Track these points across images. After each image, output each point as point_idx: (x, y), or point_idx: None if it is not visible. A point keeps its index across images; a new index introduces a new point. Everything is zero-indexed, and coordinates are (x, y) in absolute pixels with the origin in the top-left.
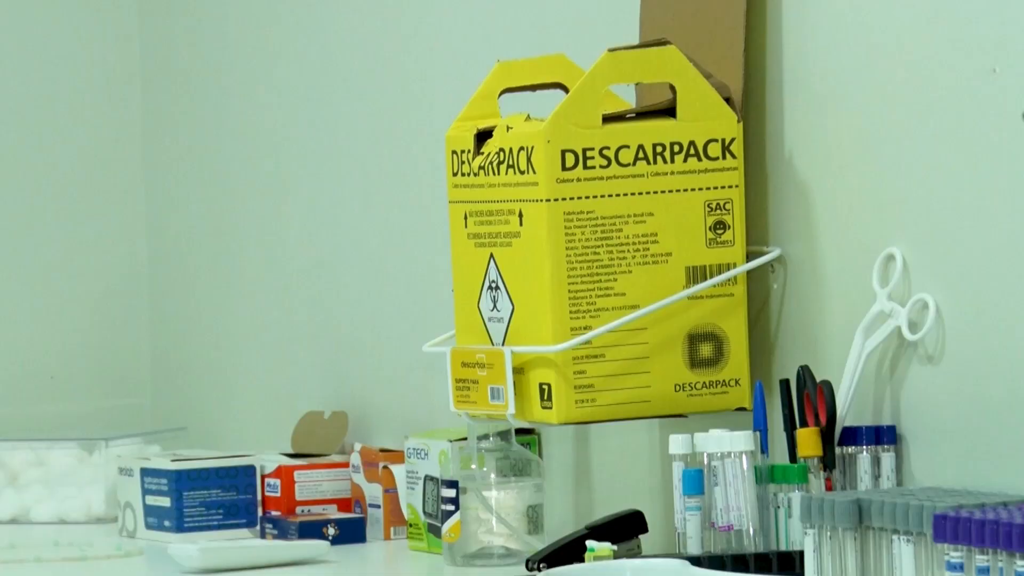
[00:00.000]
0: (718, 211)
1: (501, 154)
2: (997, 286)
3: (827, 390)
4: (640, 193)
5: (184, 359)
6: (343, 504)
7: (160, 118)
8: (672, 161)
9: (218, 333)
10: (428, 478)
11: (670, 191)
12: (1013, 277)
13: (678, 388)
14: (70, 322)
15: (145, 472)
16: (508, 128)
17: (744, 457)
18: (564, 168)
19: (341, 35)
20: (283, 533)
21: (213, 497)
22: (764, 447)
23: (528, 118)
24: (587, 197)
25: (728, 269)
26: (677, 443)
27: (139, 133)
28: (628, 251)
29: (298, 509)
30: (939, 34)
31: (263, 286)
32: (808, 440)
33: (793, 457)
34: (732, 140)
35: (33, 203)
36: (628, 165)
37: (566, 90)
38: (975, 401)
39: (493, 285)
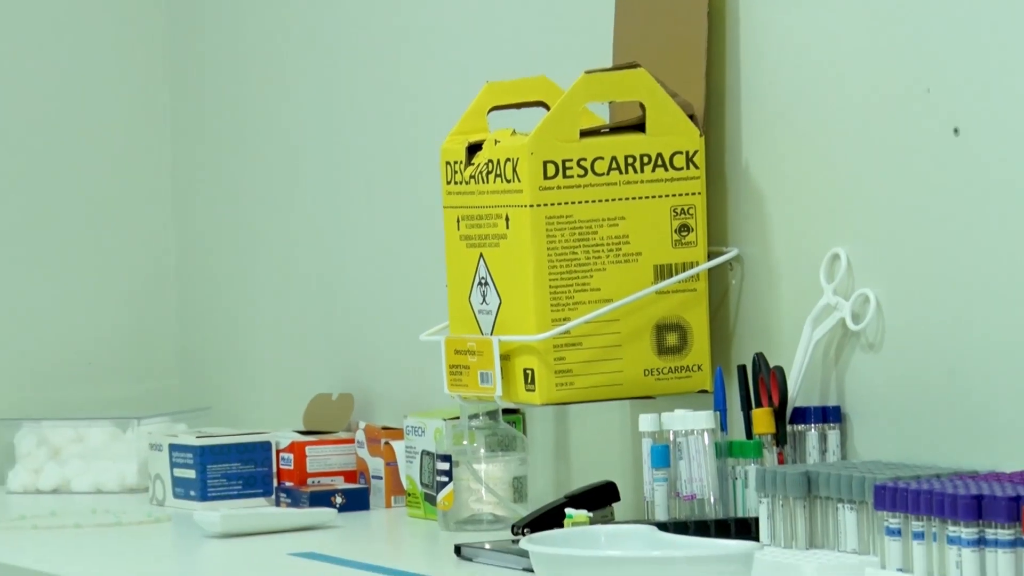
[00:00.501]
0: (683, 215)
1: (490, 165)
2: (930, 282)
3: (779, 374)
4: (613, 199)
5: (208, 347)
6: (349, 476)
7: (186, 130)
8: (642, 171)
9: (238, 324)
10: (425, 453)
11: (640, 198)
12: (944, 274)
13: (647, 373)
14: (105, 315)
15: (173, 447)
16: (496, 142)
17: (706, 434)
18: (546, 177)
19: (351, 60)
20: (296, 501)
21: (233, 470)
22: (723, 425)
23: (513, 133)
24: (566, 203)
25: (691, 267)
26: (646, 422)
27: (168, 143)
28: (602, 251)
29: (309, 480)
30: (879, 59)
31: (279, 282)
32: (762, 419)
33: (749, 434)
34: (695, 152)
35: (72, 208)
36: (603, 175)
37: (547, 107)
38: (911, 384)
39: (482, 281)
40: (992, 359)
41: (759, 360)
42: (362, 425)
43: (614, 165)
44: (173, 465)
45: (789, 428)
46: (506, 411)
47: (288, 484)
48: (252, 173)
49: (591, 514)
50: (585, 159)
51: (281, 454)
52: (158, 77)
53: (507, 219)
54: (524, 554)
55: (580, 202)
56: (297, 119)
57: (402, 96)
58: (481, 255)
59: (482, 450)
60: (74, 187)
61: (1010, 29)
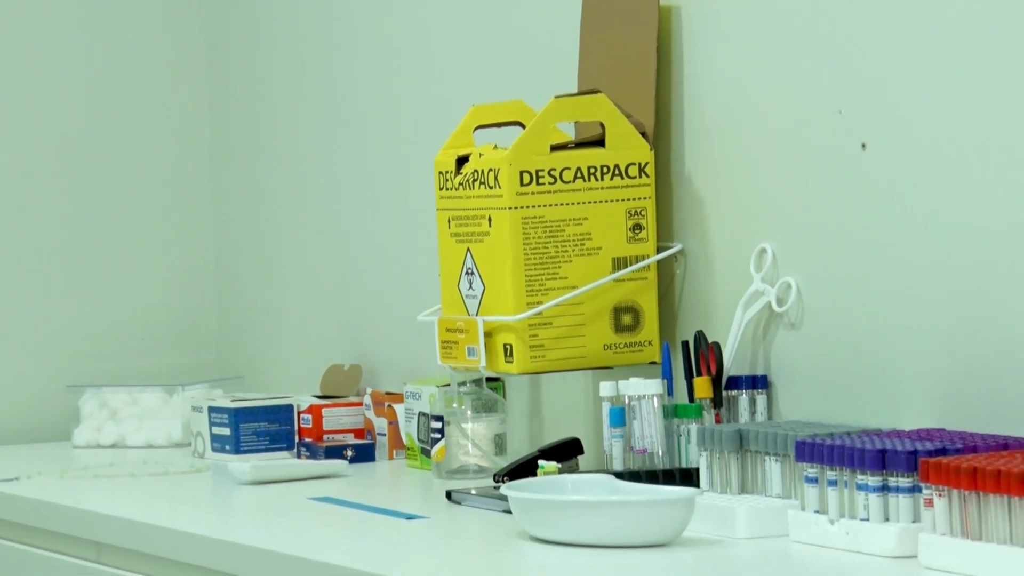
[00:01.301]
0: (636, 216)
1: (475, 174)
2: (841, 272)
3: (717, 349)
4: (578, 203)
5: (240, 326)
6: (358, 433)
7: (223, 145)
8: (602, 179)
9: (266, 307)
10: (421, 414)
11: (600, 201)
12: (853, 266)
13: (606, 347)
14: (156, 299)
15: (211, 409)
16: (480, 155)
17: (655, 398)
18: (522, 184)
19: (363, 89)
20: (314, 454)
21: (261, 428)
22: (670, 391)
23: (495, 147)
24: (539, 206)
25: (643, 259)
26: (605, 388)
27: (207, 159)
28: (569, 246)
29: (324, 437)
30: (799, 87)
31: (299, 272)
32: (702, 386)
33: (691, 398)
34: (646, 164)
35: (128, 209)
36: (569, 182)
37: (523, 126)
38: (825, 357)
39: (469, 271)
40: (891, 336)
41: (699, 337)
42: (369, 391)
43: (579, 174)
44: (211, 424)
45: (724, 393)
46: (489, 379)
47: (307, 440)
48: (278, 182)
49: (560, 465)
50: (555, 169)
51: (301, 415)
52: (201, 106)
53: (490, 219)
54: (504, 499)
55: (550, 205)
56: (317, 137)
57: (403, 117)
58: (468, 249)
59: (469, 411)
60: (131, 191)
61: (907, 63)
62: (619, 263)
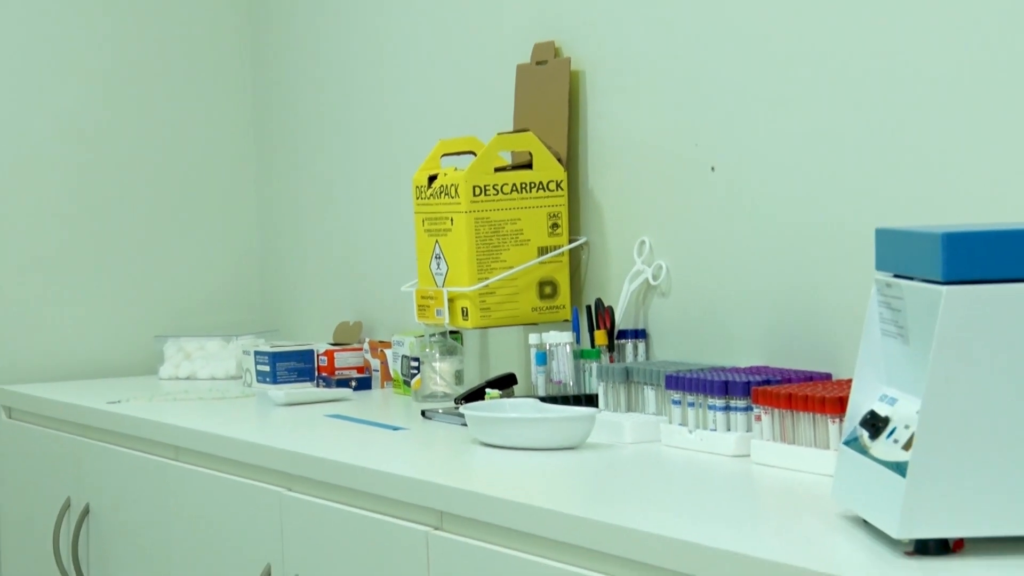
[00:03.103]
0: (554, 218)
1: (441, 188)
2: (697, 257)
3: (610, 311)
4: (514, 208)
5: (276, 293)
6: (360, 369)
7: (265, 158)
8: (530, 192)
9: (295, 279)
10: (404, 356)
11: (529, 207)
12: (706, 253)
13: (533, 309)
14: (217, 273)
15: (256, 353)
16: (445, 175)
17: (567, 346)
18: (474, 196)
19: (366, 124)
20: (328, 384)
21: (291, 365)
22: (578, 340)
23: (455, 169)
24: (486, 211)
25: (559, 248)
26: (532, 338)
27: (254, 169)
28: (507, 239)
29: (336, 372)
30: (666, 125)
31: (319, 254)
32: (600, 337)
33: (593, 345)
34: (561, 180)
35: (198, 205)
36: (508, 194)
37: (475, 155)
38: (686, 317)
39: (437, 256)
40: (731, 301)
41: (598, 303)
42: (367, 340)
43: (514, 188)
44: (256, 363)
45: (616, 342)
46: (451, 332)
47: (323, 374)
48: (304, 192)
49: (500, 392)
50: (498, 184)
51: (319, 356)
52: (248, 144)
53: (452, 220)
54: (461, 416)
55: (494, 210)
56: (332, 160)
57: (395, 147)
58: (436, 241)
59: (437, 354)
60: (200, 195)
61: (744, 110)
62: (542, 250)
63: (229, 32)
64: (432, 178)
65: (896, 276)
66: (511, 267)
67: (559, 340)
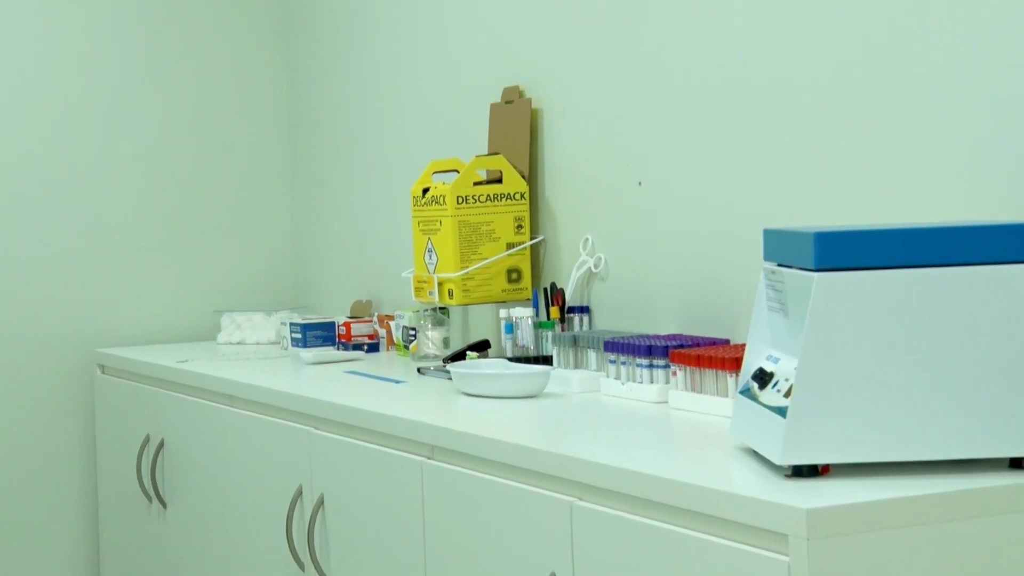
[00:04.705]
0: (519, 220)
1: (432, 198)
2: (628, 251)
3: (562, 292)
4: (488, 213)
5: (307, 277)
6: (370, 336)
7: (301, 165)
8: (501, 201)
9: (321, 267)
10: (404, 326)
11: (500, 212)
12: (634, 247)
13: (503, 291)
14: (260, 262)
15: (291, 323)
16: (435, 187)
17: (529, 319)
18: (457, 204)
19: (376, 149)
20: (346, 348)
21: (318, 333)
22: (537, 314)
23: (443, 183)
24: (467, 215)
25: (523, 244)
26: (502, 313)
27: (290, 180)
28: (483, 236)
29: (352, 338)
30: (604, 149)
31: (339, 248)
32: (554, 312)
33: (548, 318)
34: (524, 192)
35: (246, 207)
36: (484, 202)
37: (458, 172)
38: (619, 297)
39: (429, 250)
40: (653, 285)
41: (553, 286)
42: (376, 314)
43: (489, 198)
44: (291, 331)
45: (566, 316)
46: (440, 308)
47: (342, 340)
48: (328, 199)
49: (477, 354)
50: (476, 195)
51: (339, 326)
52: (285, 163)
53: (440, 222)
54: (448, 372)
55: (473, 215)
56: (350, 176)
57: (395, 167)
58: (429, 238)
59: (429, 325)
60: (247, 198)
61: (665, 137)
62: (510, 246)
63: (270, 90)
64: (425, 190)
65: (779, 265)
66: (486, 258)
67: (523, 314)
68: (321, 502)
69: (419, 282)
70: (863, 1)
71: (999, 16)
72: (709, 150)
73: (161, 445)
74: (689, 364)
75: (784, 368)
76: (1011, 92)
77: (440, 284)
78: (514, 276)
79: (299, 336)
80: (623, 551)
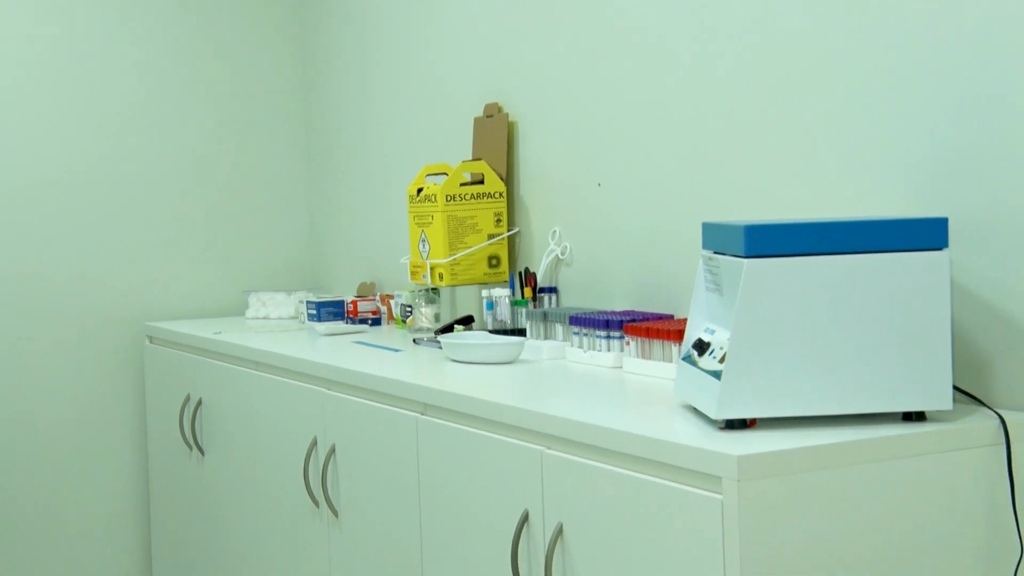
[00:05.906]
0: (498, 215)
1: (426, 196)
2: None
3: (534, 276)
4: (472, 209)
5: (321, 263)
6: (374, 312)
7: (315, 163)
8: (483, 199)
9: (333, 256)
10: (402, 304)
11: (482, 209)
12: (595, 238)
13: (484, 274)
14: (281, 250)
15: (308, 301)
16: (428, 187)
17: (506, 298)
18: (447, 201)
19: (379, 154)
20: (353, 322)
21: (330, 310)
22: (513, 294)
23: (435, 184)
24: (455, 211)
25: (501, 235)
26: (484, 293)
27: (305, 172)
28: (468, 229)
29: (359, 314)
30: (569, 156)
31: (348, 240)
32: (527, 292)
33: (523, 297)
34: (503, 192)
35: (271, 202)
36: (469, 200)
37: (447, 175)
38: (582, 279)
39: (423, 240)
40: (609, 270)
41: (526, 270)
42: (379, 294)
43: (473, 196)
44: (307, 308)
45: (538, 295)
46: (432, 289)
47: (351, 316)
48: (337, 198)
49: (463, 327)
50: (462, 194)
51: (348, 304)
52: (302, 164)
53: (432, 217)
54: (439, 343)
55: (460, 210)
56: (352, 178)
57: (393, 169)
58: (423, 230)
59: (423, 303)
60: (271, 194)
61: (623, 146)
62: (490, 237)
63: (291, 111)
64: (419, 190)
65: (715, 252)
66: (470, 247)
67: (501, 294)
68: (333, 451)
69: (414, 267)
70: (778, 28)
71: (915, 32)
72: (656, 157)
73: (199, 403)
74: (640, 335)
75: (719, 338)
76: (907, 106)
77: (432, 268)
78: (494, 262)
79: (314, 312)
80: (585, 492)
